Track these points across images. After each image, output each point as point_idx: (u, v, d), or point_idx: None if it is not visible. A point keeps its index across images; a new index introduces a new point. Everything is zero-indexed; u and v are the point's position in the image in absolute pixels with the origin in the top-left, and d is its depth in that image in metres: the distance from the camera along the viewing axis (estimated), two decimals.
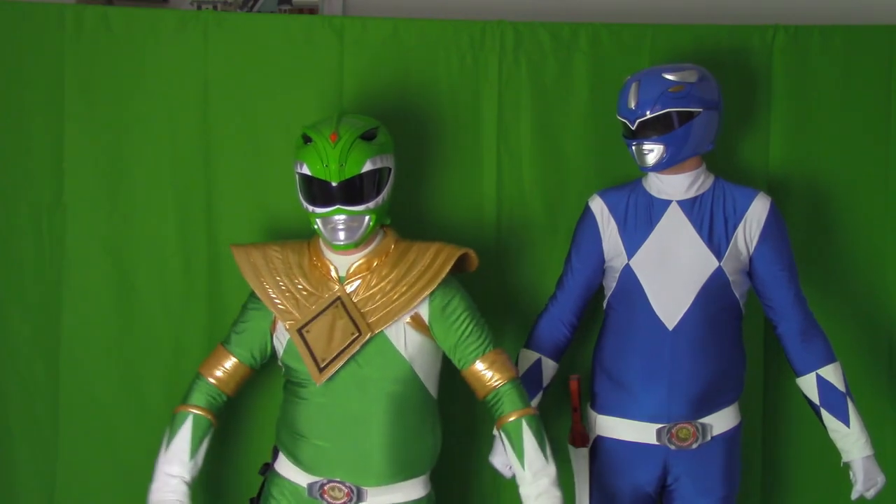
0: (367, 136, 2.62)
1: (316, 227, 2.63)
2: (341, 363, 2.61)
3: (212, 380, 2.73)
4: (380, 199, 2.61)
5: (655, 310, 2.76)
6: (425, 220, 3.04)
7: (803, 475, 3.22)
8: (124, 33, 2.96)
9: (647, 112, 2.71)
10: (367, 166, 2.59)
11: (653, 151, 2.74)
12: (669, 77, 2.73)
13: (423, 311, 2.66)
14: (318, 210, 2.59)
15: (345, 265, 2.67)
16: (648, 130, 2.73)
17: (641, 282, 2.77)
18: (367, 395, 2.62)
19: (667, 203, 2.81)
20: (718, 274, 2.77)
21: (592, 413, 2.88)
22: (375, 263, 2.68)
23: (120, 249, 2.99)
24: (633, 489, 2.83)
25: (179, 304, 3.01)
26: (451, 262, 2.66)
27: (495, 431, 2.71)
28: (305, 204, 2.63)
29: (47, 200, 2.98)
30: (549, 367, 2.89)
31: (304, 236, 2.77)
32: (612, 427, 2.83)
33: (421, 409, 2.69)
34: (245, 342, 2.74)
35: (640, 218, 2.80)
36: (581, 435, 2.85)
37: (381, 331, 2.62)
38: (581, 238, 2.88)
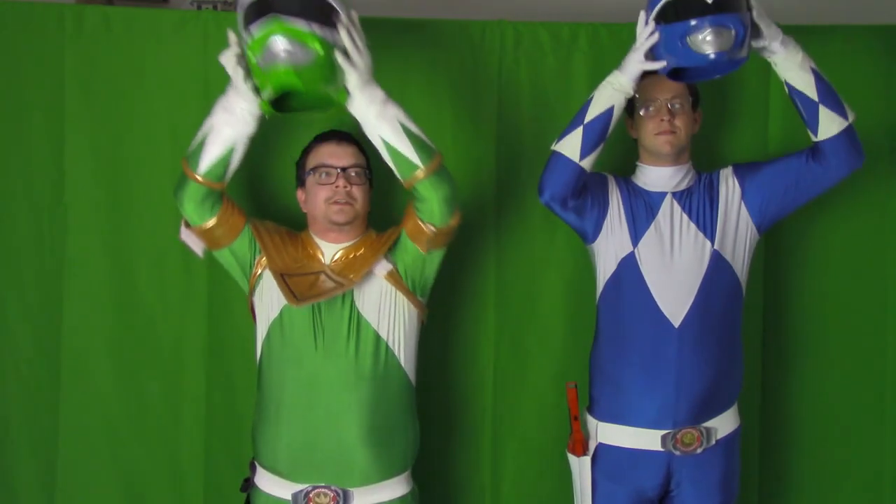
0: None
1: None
2: (321, 299, 2.61)
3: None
4: (323, 29, 2.42)
5: (661, 307, 2.74)
6: None
7: (801, 476, 3.22)
8: (124, 33, 2.96)
9: None
10: None
11: (723, 37, 2.53)
12: None
13: (392, 261, 2.70)
14: (254, 31, 2.38)
15: (331, 252, 2.72)
16: (727, 4, 2.53)
17: (645, 276, 2.75)
18: (346, 382, 2.62)
19: (662, 195, 2.81)
20: (716, 257, 2.76)
21: (592, 420, 2.85)
22: (360, 252, 2.73)
23: (120, 249, 2.99)
24: (635, 496, 2.80)
25: (179, 304, 3.01)
26: (411, 211, 2.66)
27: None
28: (244, 34, 2.41)
29: (47, 200, 2.98)
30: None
31: None
32: (615, 434, 2.80)
33: (401, 396, 2.70)
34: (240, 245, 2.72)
35: (640, 207, 2.80)
36: (582, 443, 2.82)
37: (362, 316, 2.64)
38: (595, 174, 2.80)
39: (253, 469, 2.75)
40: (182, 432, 3.01)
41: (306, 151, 2.76)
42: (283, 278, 2.65)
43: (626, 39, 3.05)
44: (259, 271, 2.72)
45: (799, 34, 3.11)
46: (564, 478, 2.92)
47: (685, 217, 2.79)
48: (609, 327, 2.82)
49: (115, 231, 2.99)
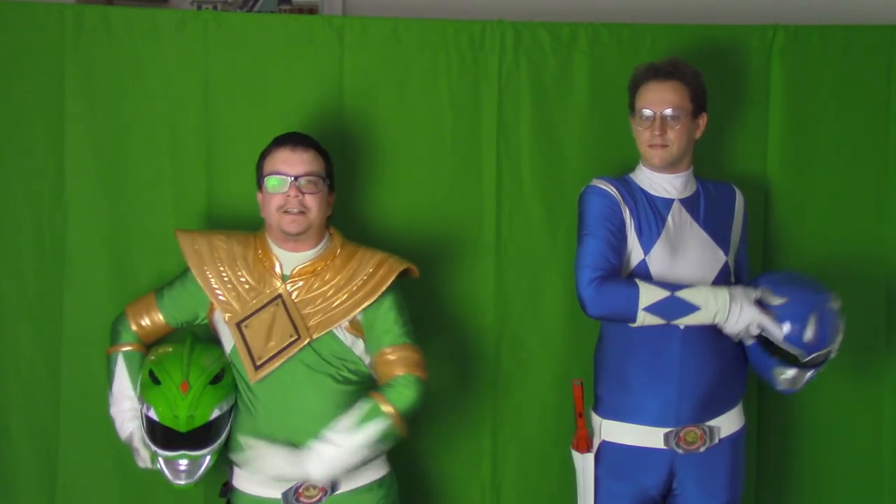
0: (216, 380, 2.65)
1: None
2: (277, 364, 2.62)
3: (134, 327, 2.76)
4: (219, 442, 2.65)
5: None
6: (424, 220, 3.03)
7: (800, 476, 3.22)
8: (124, 33, 2.96)
9: (827, 347, 2.71)
10: (215, 413, 2.63)
11: (798, 378, 2.75)
12: (836, 306, 2.74)
13: (360, 316, 2.69)
14: (162, 453, 2.63)
15: (290, 263, 2.69)
16: (818, 360, 2.72)
17: (655, 279, 2.73)
18: (319, 390, 2.63)
19: (670, 201, 2.80)
20: (725, 267, 2.78)
21: (596, 417, 2.85)
22: (320, 267, 2.69)
23: (120, 249, 2.99)
24: (638, 493, 2.79)
25: None
26: (392, 277, 2.68)
27: None
28: (148, 441, 2.65)
29: (47, 200, 2.98)
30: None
31: None
32: (618, 431, 2.79)
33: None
34: (176, 310, 2.76)
35: (649, 214, 2.78)
36: (586, 440, 2.82)
37: (330, 329, 2.64)
38: (606, 208, 2.75)
39: (231, 471, 2.74)
40: None
41: (263, 155, 2.71)
42: (241, 334, 2.64)
43: (626, 39, 3.07)
44: (214, 308, 2.73)
45: (799, 34, 3.12)
46: (565, 477, 2.92)
47: (695, 224, 2.79)
48: (615, 327, 2.81)
49: (115, 231, 2.99)
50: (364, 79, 3.02)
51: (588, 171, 3.04)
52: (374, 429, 2.56)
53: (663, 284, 2.68)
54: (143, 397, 2.64)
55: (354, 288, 2.67)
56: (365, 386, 2.69)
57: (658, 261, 2.74)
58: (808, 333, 2.65)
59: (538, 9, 3.37)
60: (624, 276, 2.75)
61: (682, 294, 2.66)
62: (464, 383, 3.08)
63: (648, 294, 2.65)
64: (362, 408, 2.58)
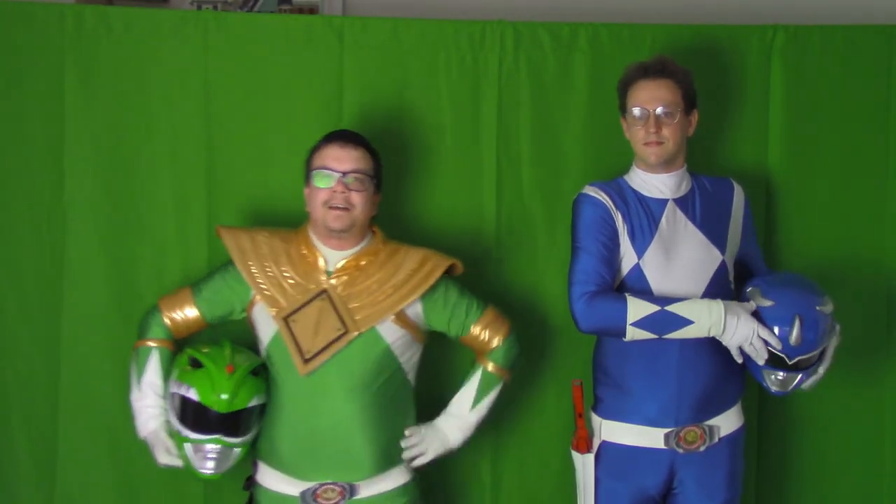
0: (255, 373, 2.67)
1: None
2: (326, 357, 2.63)
3: (167, 321, 2.76)
4: (249, 436, 2.67)
5: None
6: (424, 220, 3.04)
7: (800, 476, 3.21)
8: (124, 33, 2.96)
9: (814, 350, 2.70)
10: (253, 402, 2.64)
11: (786, 381, 2.73)
12: (826, 310, 2.72)
13: (410, 308, 2.71)
14: (195, 436, 2.62)
15: (334, 260, 2.70)
16: (804, 363, 2.71)
17: (650, 283, 2.74)
18: (351, 391, 2.64)
19: (663, 202, 2.80)
20: (722, 267, 2.77)
21: (596, 417, 2.85)
22: (364, 262, 2.71)
23: (120, 249, 2.99)
24: (638, 493, 2.79)
25: None
26: (440, 272, 2.72)
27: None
28: (178, 425, 2.65)
29: (47, 200, 2.98)
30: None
31: None
32: (618, 432, 2.80)
33: (402, 398, 2.74)
34: (213, 304, 2.76)
35: (641, 217, 2.78)
36: (586, 441, 2.82)
37: (376, 324, 2.66)
38: (598, 219, 2.76)
39: (255, 466, 2.75)
40: None
41: (314, 150, 2.73)
42: (288, 328, 2.65)
43: (626, 39, 3.07)
44: (256, 299, 2.72)
45: (799, 34, 3.12)
46: (565, 477, 2.92)
47: (689, 224, 2.78)
48: None
49: (114, 231, 2.99)
50: (364, 79, 3.02)
51: (588, 171, 3.04)
52: (493, 395, 2.81)
53: (656, 299, 2.68)
54: (182, 380, 2.64)
55: (400, 282, 2.69)
56: (395, 391, 2.72)
57: (652, 264, 2.74)
58: (793, 336, 2.65)
59: (538, 9, 3.37)
60: (619, 281, 2.75)
61: (673, 308, 2.65)
62: (461, 383, 3.08)
63: (637, 309, 2.65)
64: (479, 378, 2.80)
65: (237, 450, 2.65)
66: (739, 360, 2.70)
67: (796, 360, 2.69)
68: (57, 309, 2.99)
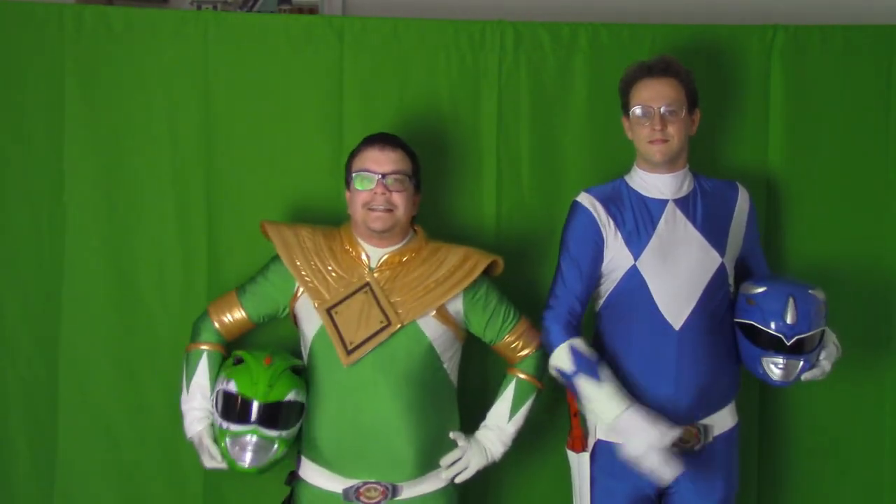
0: (297, 370, 2.71)
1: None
2: (369, 349, 2.66)
3: (217, 324, 2.81)
4: (289, 432, 2.69)
5: (661, 310, 2.73)
6: (424, 220, 3.03)
7: (800, 476, 3.21)
8: (124, 33, 2.96)
9: (811, 329, 2.74)
10: (291, 395, 2.66)
11: (789, 368, 2.75)
12: (819, 296, 2.77)
13: (451, 305, 2.74)
14: (233, 427, 2.65)
15: (376, 256, 2.74)
16: (804, 346, 2.74)
17: (648, 282, 2.74)
18: (395, 386, 2.66)
19: (663, 202, 2.80)
20: (721, 268, 2.78)
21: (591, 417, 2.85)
22: (406, 258, 2.75)
23: (120, 249, 2.99)
24: (634, 492, 2.79)
25: (179, 304, 3.00)
26: (483, 267, 2.76)
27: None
28: (219, 419, 2.68)
29: (47, 200, 2.98)
30: (582, 343, 2.78)
31: None
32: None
33: (446, 399, 2.77)
34: (258, 303, 2.80)
35: (639, 218, 2.78)
36: (581, 440, 2.83)
37: (413, 321, 2.68)
38: (580, 235, 2.81)
39: (299, 462, 2.78)
40: (181, 432, 3.00)
41: (353, 154, 2.76)
42: (331, 319, 2.67)
43: (626, 39, 3.07)
44: (300, 293, 2.76)
45: (799, 34, 3.12)
46: (562, 476, 2.92)
47: (689, 225, 2.78)
48: (609, 330, 2.83)
49: (114, 231, 2.99)
50: (364, 79, 3.02)
51: (588, 171, 3.05)
52: (529, 404, 2.83)
53: (581, 361, 2.72)
54: (224, 375, 2.70)
55: (442, 277, 2.73)
56: (438, 390, 2.75)
57: (649, 265, 2.75)
58: (789, 315, 2.70)
59: (538, 9, 3.37)
60: (616, 281, 2.78)
61: (580, 381, 2.71)
62: (461, 383, 3.07)
63: (559, 358, 2.75)
64: (513, 389, 2.82)
65: (276, 446, 2.67)
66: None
67: (794, 339, 2.71)
68: (57, 309, 2.99)
